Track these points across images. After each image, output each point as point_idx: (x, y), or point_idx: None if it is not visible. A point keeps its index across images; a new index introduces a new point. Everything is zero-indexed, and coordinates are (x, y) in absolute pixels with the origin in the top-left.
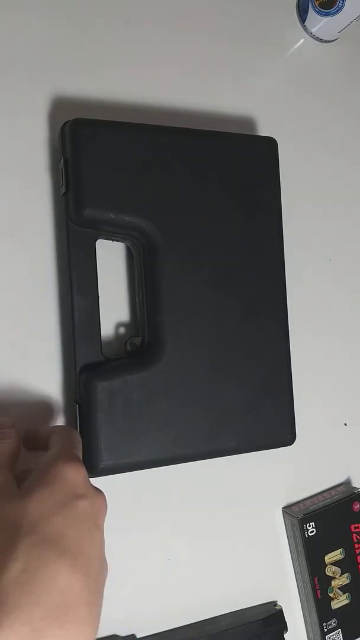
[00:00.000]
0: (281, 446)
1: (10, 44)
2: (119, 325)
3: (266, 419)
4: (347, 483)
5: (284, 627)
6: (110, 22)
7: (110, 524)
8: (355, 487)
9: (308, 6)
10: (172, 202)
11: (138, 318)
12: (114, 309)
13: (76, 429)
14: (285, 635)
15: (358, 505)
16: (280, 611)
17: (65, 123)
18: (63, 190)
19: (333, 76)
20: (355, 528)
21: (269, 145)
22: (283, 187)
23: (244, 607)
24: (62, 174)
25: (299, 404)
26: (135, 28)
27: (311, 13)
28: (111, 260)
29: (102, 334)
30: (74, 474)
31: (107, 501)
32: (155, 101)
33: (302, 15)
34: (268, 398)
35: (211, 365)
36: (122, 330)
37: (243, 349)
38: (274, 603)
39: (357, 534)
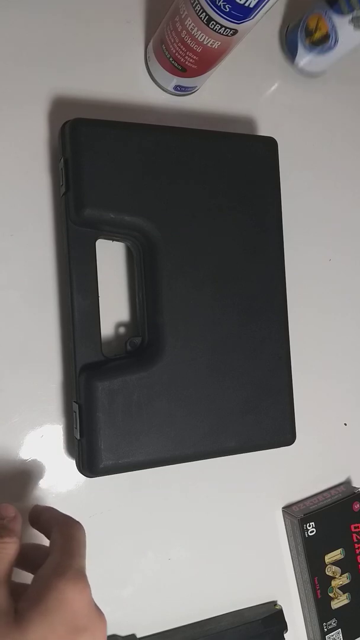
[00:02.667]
0: (281, 446)
1: (10, 43)
2: (119, 325)
3: (266, 419)
4: (347, 483)
5: (284, 627)
6: (110, 22)
7: (111, 524)
8: (355, 487)
9: (297, 44)
10: (172, 202)
11: (138, 318)
12: (114, 309)
13: (76, 428)
14: (285, 635)
15: (358, 505)
16: (280, 611)
17: (65, 123)
18: (63, 190)
19: (333, 76)
20: (355, 528)
21: (269, 145)
22: (283, 187)
23: (244, 607)
24: (62, 174)
25: (299, 404)
26: (136, 28)
27: (300, 51)
28: (111, 260)
29: (102, 334)
30: (77, 598)
31: (108, 501)
32: (155, 101)
33: (291, 52)
34: (268, 398)
35: (211, 365)
36: (122, 330)
37: (243, 348)
38: (274, 603)
39: (357, 534)
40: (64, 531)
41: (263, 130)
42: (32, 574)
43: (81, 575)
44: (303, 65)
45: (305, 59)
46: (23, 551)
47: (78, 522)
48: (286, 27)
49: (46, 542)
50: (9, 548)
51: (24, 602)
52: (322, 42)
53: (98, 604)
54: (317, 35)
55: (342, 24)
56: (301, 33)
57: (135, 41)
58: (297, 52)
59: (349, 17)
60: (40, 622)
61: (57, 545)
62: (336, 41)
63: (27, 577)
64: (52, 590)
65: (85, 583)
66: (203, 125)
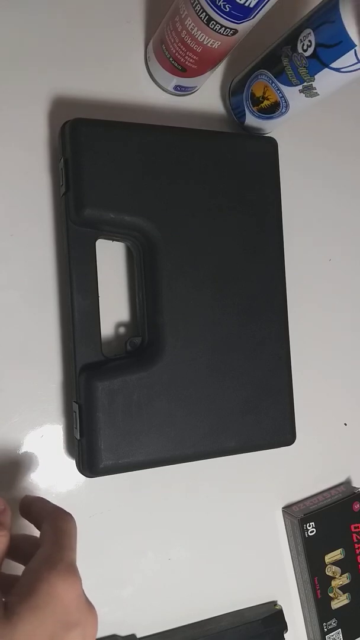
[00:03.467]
0: (281, 446)
1: (10, 44)
2: (119, 325)
3: (266, 419)
4: (347, 483)
5: (284, 627)
6: (110, 22)
7: (111, 524)
8: (355, 487)
9: (244, 109)
10: (172, 202)
11: (138, 318)
12: (114, 309)
13: (76, 428)
14: (285, 635)
15: (358, 505)
16: (280, 611)
17: (65, 123)
18: (63, 190)
19: None
20: (355, 528)
21: (269, 145)
22: (283, 187)
23: (244, 607)
24: (62, 174)
25: (299, 404)
26: (136, 28)
27: (249, 116)
28: (111, 260)
29: (102, 334)
30: (67, 592)
31: (108, 501)
32: (155, 101)
33: (239, 116)
34: (268, 398)
35: (211, 365)
36: (122, 330)
37: (243, 348)
38: (274, 603)
39: (357, 534)
40: (55, 523)
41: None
42: (23, 565)
43: (72, 569)
44: (253, 128)
45: (254, 122)
46: (13, 542)
47: (69, 514)
48: (229, 82)
49: (36, 532)
50: None
51: (14, 596)
52: (271, 110)
53: (98, 604)
54: (266, 104)
55: (292, 93)
56: (247, 101)
57: (135, 41)
58: (244, 117)
59: (299, 87)
60: (31, 617)
61: (47, 537)
62: (287, 107)
63: (17, 568)
64: (43, 584)
65: (76, 576)
66: (203, 125)
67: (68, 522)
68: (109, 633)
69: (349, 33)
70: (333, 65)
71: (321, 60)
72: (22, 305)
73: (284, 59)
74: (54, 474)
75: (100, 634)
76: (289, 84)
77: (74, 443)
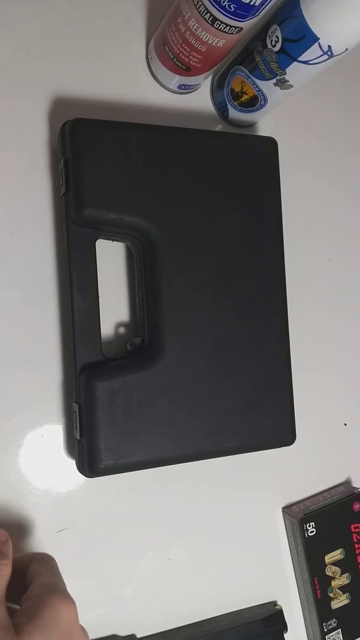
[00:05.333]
0: (281, 446)
1: (10, 44)
2: (119, 325)
3: (266, 419)
4: (347, 483)
5: (284, 627)
6: (110, 21)
7: (111, 524)
8: (355, 487)
9: (226, 104)
10: (172, 202)
11: (138, 318)
12: (114, 309)
13: (76, 428)
14: (285, 635)
15: (358, 505)
16: (280, 611)
17: (65, 123)
18: (63, 190)
19: (333, 75)
20: (355, 528)
21: (269, 145)
22: (283, 187)
23: (244, 607)
24: (62, 174)
25: (299, 404)
26: (136, 27)
27: (232, 110)
28: (111, 260)
29: (102, 334)
30: (67, 613)
31: (108, 501)
32: (156, 101)
33: (222, 111)
34: (268, 398)
35: (211, 365)
36: (122, 330)
37: (243, 348)
38: (274, 603)
39: (357, 534)
40: (45, 563)
41: (263, 130)
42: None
43: (69, 595)
44: (238, 121)
45: (238, 116)
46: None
47: (51, 556)
48: (213, 77)
49: None
50: (4, 570)
51: (21, 618)
52: (251, 103)
53: (98, 604)
54: (245, 98)
55: (267, 86)
56: (228, 96)
57: (136, 41)
58: (228, 112)
59: (273, 80)
60: (38, 636)
61: (42, 571)
62: (265, 100)
63: None
64: (47, 607)
65: (73, 602)
66: (205, 122)
67: (54, 561)
68: (109, 633)
69: (310, 27)
70: (301, 58)
71: (289, 54)
72: (22, 305)
73: (256, 55)
74: (54, 474)
75: (100, 634)
76: (263, 78)
77: (74, 443)
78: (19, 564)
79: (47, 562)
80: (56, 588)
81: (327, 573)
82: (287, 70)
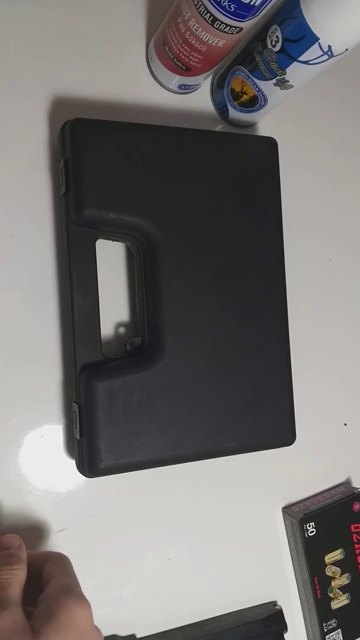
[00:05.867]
0: (281, 446)
1: (10, 44)
2: (119, 325)
3: (266, 419)
4: (347, 483)
5: (284, 627)
6: (110, 21)
7: (111, 524)
8: (355, 487)
9: (226, 104)
10: (172, 202)
11: (138, 318)
12: (114, 309)
13: (76, 428)
14: (285, 635)
15: (358, 505)
16: (280, 611)
17: (65, 123)
18: (63, 190)
19: (333, 75)
20: (355, 528)
21: (269, 145)
22: (283, 187)
23: (244, 607)
24: (62, 174)
25: (299, 404)
26: (135, 27)
27: (232, 110)
28: (111, 260)
29: (102, 334)
30: (83, 616)
31: (108, 501)
32: (156, 101)
33: (222, 111)
34: (268, 398)
35: (211, 365)
36: (122, 330)
37: (243, 348)
38: (274, 603)
39: (357, 534)
40: (60, 562)
41: (263, 131)
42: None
43: (84, 597)
44: (238, 121)
45: (238, 116)
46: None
47: (65, 555)
48: (213, 77)
49: None
50: (19, 574)
51: (37, 620)
52: (251, 103)
53: (98, 604)
54: (245, 98)
55: (268, 86)
56: (228, 96)
57: (136, 41)
58: (228, 112)
59: (273, 80)
60: (55, 637)
61: (57, 572)
62: (265, 100)
63: None
64: (63, 609)
65: (89, 604)
66: (205, 121)
67: (68, 560)
68: (109, 633)
69: (310, 27)
70: (301, 58)
71: (289, 54)
72: (22, 305)
73: (256, 55)
74: (54, 474)
75: None
76: (264, 78)
77: (74, 443)
78: (33, 563)
79: (61, 561)
80: (71, 590)
81: (327, 573)
82: (287, 70)
